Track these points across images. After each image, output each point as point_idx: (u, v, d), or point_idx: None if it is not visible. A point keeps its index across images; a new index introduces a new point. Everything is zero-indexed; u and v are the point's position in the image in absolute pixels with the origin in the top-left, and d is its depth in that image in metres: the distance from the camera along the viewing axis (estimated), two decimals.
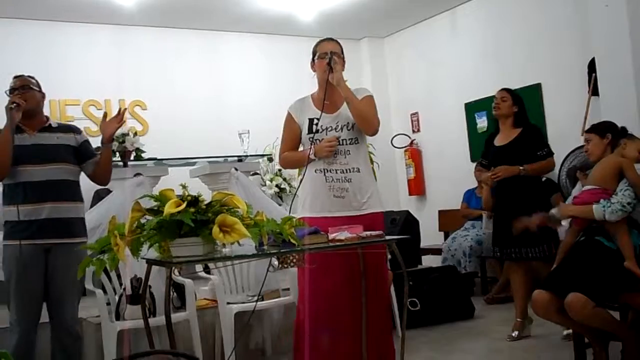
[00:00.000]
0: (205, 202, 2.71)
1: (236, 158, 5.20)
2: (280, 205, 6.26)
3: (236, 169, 4.98)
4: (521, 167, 4.51)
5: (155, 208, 2.71)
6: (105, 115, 3.69)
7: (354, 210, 3.41)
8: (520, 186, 4.54)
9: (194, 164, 5.32)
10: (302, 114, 3.53)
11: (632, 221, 3.62)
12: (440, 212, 7.79)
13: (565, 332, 4.33)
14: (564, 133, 6.13)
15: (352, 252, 3.31)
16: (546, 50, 6.71)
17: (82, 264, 2.79)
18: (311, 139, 3.45)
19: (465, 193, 7.04)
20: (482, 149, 4.95)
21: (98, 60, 7.12)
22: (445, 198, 7.73)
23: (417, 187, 8.33)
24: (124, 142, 4.92)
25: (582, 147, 4.70)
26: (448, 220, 7.51)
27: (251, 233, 2.63)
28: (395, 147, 8.47)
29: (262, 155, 6.11)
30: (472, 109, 7.61)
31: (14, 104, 3.40)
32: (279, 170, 7.07)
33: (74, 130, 3.71)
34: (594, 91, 5.68)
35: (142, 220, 2.75)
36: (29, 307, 3.42)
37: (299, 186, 3.47)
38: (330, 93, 3.43)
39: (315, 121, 3.46)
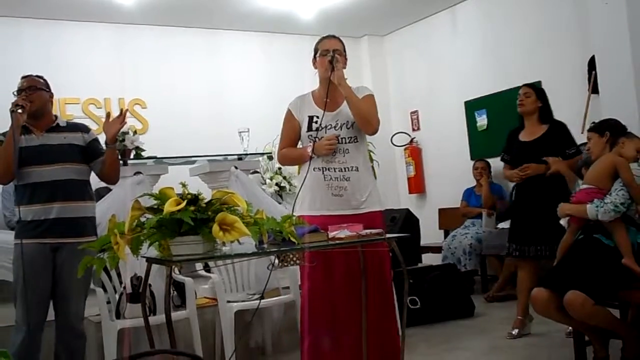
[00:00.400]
0: (205, 201, 2.70)
1: (236, 156, 5.20)
2: (280, 203, 6.26)
3: (236, 168, 4.98)
4: (548, 164, 4.44)
5: (155, 206, 2.71)
6: (108, 115, 3.68)
7: (352, 208, 3.41)
8: (542, 183, 4.47)
9: (193, 162, 5.32)
10: (302, 111, 3.53)
11: (629, 219, 3.62)
12: (440, 210, 7.79)
13: (569, 329, 4.30)
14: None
15: (353, 251, 3.31)
16: (546, 48, 6.70)
17: (82, 263, 2.79)
18: (310, 137, 3.45)
19: (465, 191, 7.04)
20: (504, 144, 4.86)
21: (98, 58, 7.12)
22: (445, 196, 7.73)
23: (417, 185, 8.33)
24: (123, 140, 4.91)
25: (582, 144, 4.70)
26: (448, 219, 7.52)
27: (251, 231, 2.63)
28: (395, 145, 8.47)
29: (262, 154, 6.11)
30: (472, 107, 7.61)
31: (18, 107, 3.38)
32: (279, 168, 7.07)
33: (82, 129, 3.70)
34: (594, 89, 5.67)
35: (142, 219, 2.75)
36: (36, 306, 3.43)
37: (302, 184, 3.45)
38: (331, 91, 3.42)
39: (315, 119, 3.46)
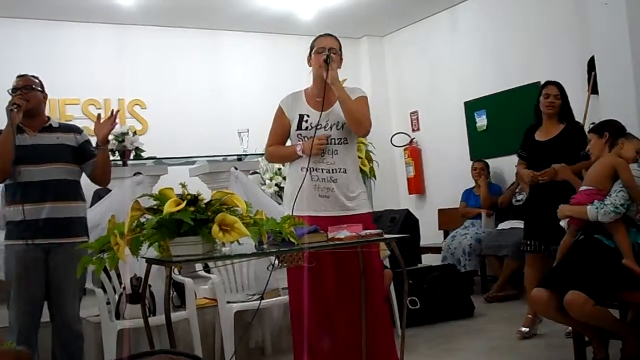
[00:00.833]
0: (205, 201, 2.71)
1: (236, 157, 5.19)
2: (279, 204, 6.25)
3: (236, 168, 4.98)
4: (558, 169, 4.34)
5: (155, 207, 2.71)
6: (99, 116, 3.68)
7: (339, 210, 3.35)
8: (556, 182, 4.36)
9: (193, 162, 5.32)
10: (293, 109, 3.48)
11: (630, 219, 3.62)
12: (439, 210, 7.79)
13: (568, 329, 4.29)
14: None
15: (351, 252, 3.28)
16: (546, 48, 6.71)
17: (81, 263, 2.79)
18: (299, 135, 3.41)
19: (464, 192, 7.05)
20: (521, 141, 4.72)
21: (98, 59, 7.13)
22: (444, 197, 7.73)
23: (416, 185, 8.33)
24: (123, 141, 4.91)
25: None
26: (448, 219, 7.52)
27: (251, 232, 2.63)
28: (394, 145, 8.47)
29: (262, 154, 6.06)
30: (471, 107, 7.61)
31: (15, 105, 3.39)
32: (279, 169, 7.06)
33: (75, 130, 3.70)
34: (594, 89, 5.67)
35: (142, 219, 2.75)
36: (30, 307, 3.42)
37: (301, 185, 3.41)
38: (325, 90, 3.37)
39: (306, 117, 3.42)
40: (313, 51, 3.46)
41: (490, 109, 7.39)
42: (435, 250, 6.93)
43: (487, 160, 7.01)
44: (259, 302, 4.00)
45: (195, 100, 7.56)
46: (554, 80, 4.67)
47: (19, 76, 3.61)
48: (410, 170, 8.34)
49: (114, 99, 7.23)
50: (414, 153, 8.33)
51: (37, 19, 6.82)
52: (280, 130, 3.52)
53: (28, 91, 3.53)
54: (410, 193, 8.43)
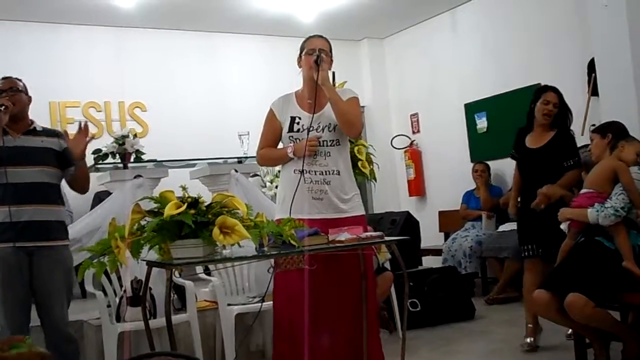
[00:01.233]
0: (206, 204, 2.71)
1: (236, 159, 5.20)
2: None
3: (236, 171, 4.98)
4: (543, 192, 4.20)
5: (156, 210, 2.71)
6: (66, 132, 3.65)
7: (333, 212, 3.33)
8: (537, 178, 4.27)
9: (194, 165, 5.32)
10: (284, 112, 3.47)
11: (631, 222, 3.62)
12: (440, 212, 7.79)
13: (569, 331, 4.21)
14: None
15: (349, 254, 3.27)
16: (546, 50, 6.71)
17: (82, 267, 2.79)
18: (291, 138, 3.40)
19: (464, 194, 7.04)
20: (513, 143, 4.57)
21: (98, 62, 7.13)
22: (445, 199, 7.73)
23: (417, 188, 8.33)
24: (123, 144, 4.91)
25: (583, 147, 4.70)
26: (448, 221, 7.52)
27: (251, 234, 2.64)
28: (395, 148, 8.47)
29: None
30: (472, 109, 7.62)
31: (2, 107, 3.39)
32: (279, 171, 7.06)
33: (59, 135, 3.69)
34: (594, 91, 5.68)
35: (143, 222, 2.75)
36: (17, 310, 3.41)
37: (297, 188, 3.40)
38: (315, 92, 3.35)
39: (297, 120, 3.40)
40: (303, 52, 3.45)
41: (491, 111, 7.39)
42: (436, 252, 6.93)
43: (488, 162, 7.01)
44: (260, 305, 4.00)
45: (195, 102, 7.57)
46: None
47: (3, 78, 3.60)
48: (410, 172, 8.34)
49: (114, 101, 7.24)
50: (414, 155, 8.33)
51: (36, 22, 6.82)
52: (272, 133, 3.51)
53: (14, 93, 3.52)
54: (410, 195, 8.43)
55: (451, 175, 7.73)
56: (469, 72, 7.63)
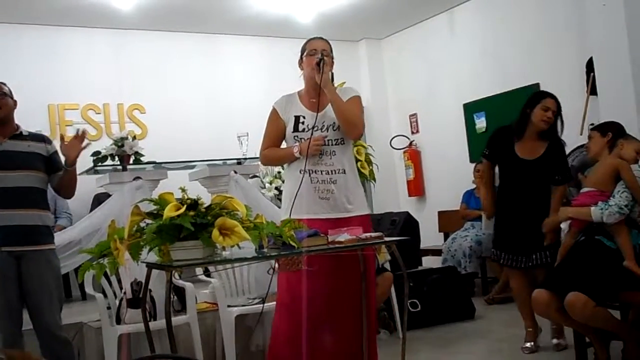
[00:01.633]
0: (205, 205, 2.71)
1: (235, 161, 5.19)
2: (279, 207, 6.24)
3: (235, 172, 4.98)
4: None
5: (155, 212, 2.71)
6: (62, 137, 3.65)
7: (339, 212, 3.33)
8: (529, 190, 4.20)
9: (193, 167, 5.32)
10: (287, 111, 3.46)
11: (631, 221, 3.63)
12: (439, 212, 7.79)
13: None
14: (563, 133, 6.13)
15: (348, 255, 3.27)
16: (544, 50, 6.72)
17: (82, 268, 2.79)
18: (296, 137, 3.40)
19: (464, 194, 7.04)
20: (485, 142, 4.48)
21: (97, 64, 7.13)
22: (444, 199, 7.73)
23: (416, 188, 8.33)
24: (122, 146, 4.91)
25: (581, 147, 4.71)
26: (448, 221, 7.51)
27: (251, 236, 2.63)
28: (394, 148, 8.47)
29: None
30: (470, 109, 7.62)
31: None
32: (279, 172, 7.06)
33: (45, 140, 3.69)
34: (592, 90, 5.69)
35: (142, 224, 2.75)
36: (9, 313, 3.42)
37: (298, 188, 3.40)
38: (318, 92, 3.35)
39: (302, 119, 3.40)
40: (304, 54, 3.46)
41: (489, 111, 7.39)
42: (436, 252, 6.93)
43: None
44: (261, 306, 3.99)
45: (194, 104, 7.56)
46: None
47: None
48: (409, 172, 8.34)
49: (113, 103, 7.23)
50: (413, 155, 8.33)
51: (35, 24, 6.81)
52: (275, 133, 3.50)
53: (1, 97, 3.52)
54: (410, 195, 8.43)
55: (450, 175, 7.73)
56: (467, 72, 7.64)
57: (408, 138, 8.46)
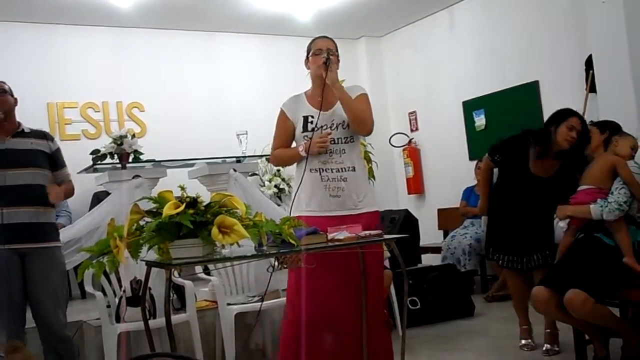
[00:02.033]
0: (204, 204, 2.70)
1: (234, 159, 5.19)
2: (279, 205, 6.25)
3: (235, 170, 4.98)
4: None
5: (154, 210, 2.71)
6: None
7: (349, 209, 3.37)
8: (533, 202, 4.11)
9: (192, 165, 5.32)
10: (296, 112, 3.49)
11: (629, 217, 3.63)
12: (439, 210, 7.79)
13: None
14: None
15: (351, 252, 3.29)
16: (544, 47, 6.71)
17: (82, 267, 2.79)
18: (306, 137, 3.42)
19: (465, 191, 7.04)
20: (496, 143, 4.39)
21: (96, 62, 7.12)
22: (444, 196, 7.73)
23: (415, 185, 8.33)
24: (122, 144, 4.91)
25: None
26: (447, 219, 7.52)
27: (250, 234, 2.63)
28: (393, 146, 8.47)
29: (261, 156, 6.10)
30: (470, 107, 7.62)
31: None
32: (278, 170, 7.07)
33: (47, 137, 3.71)
34: (592, 88, 5.68)
35: (141, 222, 2.75)
36: (13, 310, 3.43)
37: (299, 185, 3.42)
38: (325, 91, 3.38)
39: (310, 119, 3.42)
40: (310, 53, 3.47)
41: (489, 109, 7.39)
42: (435, 250, 6.93)
43: None
44: (260, 303, 4.00)
45: (193, 102, 7.56)
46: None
47: None
48: (409, 170, 8.34)
49: (112, 101, 7.23)
50: (412, 153, 8.33)
51: (34, 23, 6.80)
52: (285, 134, 3.54)
53: (1, 95, 3.52)
54: (409, 193, 8.43)
55: (450, 173, 7.73)
56: (466, 69, 7.63)
57: (407, 136, 8.46)
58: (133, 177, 4.72)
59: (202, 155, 5.35)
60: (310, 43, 3.52)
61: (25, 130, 3.62)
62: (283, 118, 3.54)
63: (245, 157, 5.23)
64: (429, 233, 7.38)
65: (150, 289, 3.84)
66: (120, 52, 7.30)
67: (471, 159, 7.42)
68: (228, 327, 4.15)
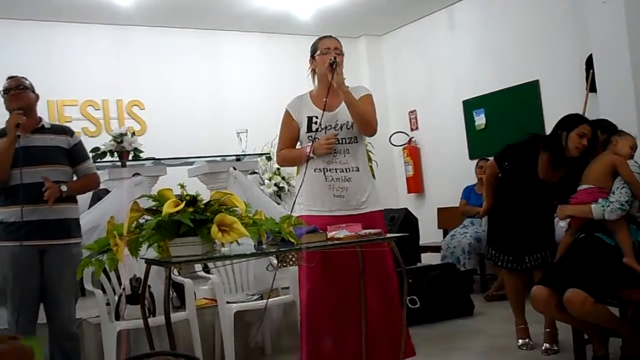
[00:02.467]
0: (204, 202, 2.70)
1: (234, 157, 5.20)
2: (278, 204, 6.26)
3: (234, 168, 4.98)
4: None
5: (154, 208, 2.71)
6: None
7: (353, 209, 3.41)
8: (536, 204, 4.13)
9: (192, 163, 5.32)
10: (300, 112, 3.51)
11: (630, 217, 3.63)
12: (439, 209, 7.79)
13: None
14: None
15: (353, 252, 3.30)
16: (544, 47, 6.71)
17: (81, 265, 2.79)
18: (310, 137, 3.44)
19: (464, 190, 7.03)
20: (503, 149, 4.32)
21: (96, 60, 7.12)
22: (444, 195, 7.73)
23: (415, 184, 8.33)
24: (121, 142, 4.91)
25: None
26: (447, 218, 7.52)
27: (250, 232, 2.63)
28: (393, 145, 8.47)
29: (261, 154, 6.11)
30: (470, 106, 7.61)
31: (18, 125, 3.41)
32: (278, 169, 7.07)
33: (67, 132, 3.71)
34: (592, 88, 5.68)
35: (141, 220, 2.75)
36: (26, 308, 3.43)
37: (300, 185, 3.43)
38: (330, 91, 3.40)
39: (315, 119, 3.44)
40: (317, 53, 3.47)
41: (489, 108, 7.39)
42: (435, 249, 6.93)
43: (489, 159, 6.99)
44: (265, 302, 4.02)
45: (193, 100, 7.56)
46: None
47: (9, 77, 3.62)
48: (409, 169, 8.34)
49: (112, 99, 7.23)
50: (412, 152, 8.33)
51: (35, 20, 6.80)
52: (290, 134, 3.55)
53: (21, 91, 3.54)
54: (409, 192, 8.43)
55: (450, 172, 7.73)
56: (466, 68, 7.63)
57: (407, 135, 8.46)
58: (133, 175, 4.73)
59: (202, 154, 5.36)
60: (317, 42, 3.53)
61: (46, 126, 3.63)
62: (288, 118, 3.55)
63: (245, 155, 5.24)
64: (429, 232, 7.38)
65: (149, 287, 3.84)
66: (120, 49, 7.30)
67: (471, 158, 7.42)
68: (227, 325, 4.16)
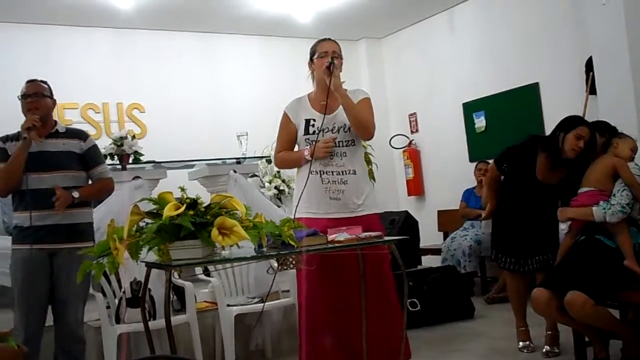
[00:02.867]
0: (204, 205, 2.70)
1: (235, 160, 5.20)
2: (279, 207, 6.26)
3: (235, 171, 4.98)
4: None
5: (154, 211, 2.71)
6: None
7: (350, 212, 3.40)
8: (537, 205, 4.12)
9: (192, 166, 5.32)
10: (298, 114, 3.51)
11: (630, 219, 3.63)
12: (439, 212, 7.79)
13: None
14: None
15: (353, 254, 3.30)
16: (544, 49, 6.71)
17: (82, 268, 2.79)
18: (307, 140, 3.44)
19: (464, 192, 7.04)
20: (502, 151, 4.33)
21: (96, 63, 7.13)
22: (444, 198, 7.73)
23: (415, 187, 8.33)
24: (122, 145, 4.91)
25: None
26: (447, 220, 7.51)
27: (250, 235, 2.63)
28: (393, 147, 8.47)
29: (261, 157, 6.11)
30: (470, 108, 7.62)
31: (30, 130, 3.39)
32: (278, 172, 7.07)
33: (82, 136, 3.68)
34: (592, 90, 5.69)
35: (141, 224, 2.75)
36: (34, 310, 3.44)
37: (303, 188, 3.42)
38: (328, 94, 3.40)
39: (312, 122, 3.45)
40: (315, 55, 3.47)
41: (489, 110, 7.39)
42: (435, 251, 6.93)
43: (489, 161, 7.00)
44: (262, 305, 4.00)
45: (193, 103, 7.56)
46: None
47: (29, 81, 3.60)
48: (409, 171, 8.34)
49: (112, 103, 7.23)
50: (413, 155, 8.33)
51: (34, 24, 6.81)
52: (288, 136, 3.55)
53: (38, 99, 3.52)
54: (409, 195, 8.43)
55: (450, 175, 7.73)
56: (466, 71, 7.64)
57: (407, 137, 8.46)
58: (133, 178, 4.73)
59: (202, 157, 5.36)
60: (315, 45, 3.53)
61: (60, 130, 3.61)
62: (286, 121, 3.55)
63: (245, 158, 5.24)
64: (429, 235, 7.38)
65: (150, 290, 3.84)
66: (120, 53, 7.31)
67: (471, 160, 7.42)
68: (228, 328, 4.16)
